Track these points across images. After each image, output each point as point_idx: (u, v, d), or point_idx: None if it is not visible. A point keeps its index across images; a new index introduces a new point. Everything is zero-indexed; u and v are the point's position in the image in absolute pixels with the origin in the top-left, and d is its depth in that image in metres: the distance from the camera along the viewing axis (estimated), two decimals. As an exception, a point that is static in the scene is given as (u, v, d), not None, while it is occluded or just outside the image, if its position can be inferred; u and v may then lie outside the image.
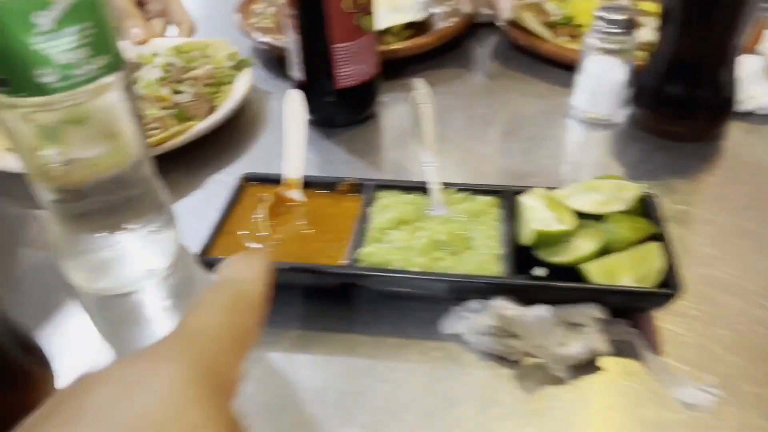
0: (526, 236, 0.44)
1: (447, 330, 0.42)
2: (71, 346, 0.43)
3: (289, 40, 0.60)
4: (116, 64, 0.39)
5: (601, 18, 0.61)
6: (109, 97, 0.39)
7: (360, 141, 0.64)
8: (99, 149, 0.40)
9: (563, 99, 0.69)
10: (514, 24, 0.77)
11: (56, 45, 0.34)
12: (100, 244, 0.44)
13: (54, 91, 0.36)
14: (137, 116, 0.42)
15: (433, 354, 0.42)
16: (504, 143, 0.62)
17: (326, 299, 0.45)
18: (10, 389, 0.32)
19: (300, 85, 0.63)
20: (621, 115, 0.65)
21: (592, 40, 0.62)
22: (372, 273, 0.42)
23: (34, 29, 0.33)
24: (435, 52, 0.78)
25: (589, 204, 0.46)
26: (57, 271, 0.49)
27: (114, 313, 0.46)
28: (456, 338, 0.42)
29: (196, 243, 0.51)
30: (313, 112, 0.61)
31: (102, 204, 0.43)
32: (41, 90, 0.36)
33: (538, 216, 0.44)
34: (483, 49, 0.82)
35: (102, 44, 0.37)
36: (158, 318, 0.46)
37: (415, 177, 0.57)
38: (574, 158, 0.60)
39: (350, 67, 0.59)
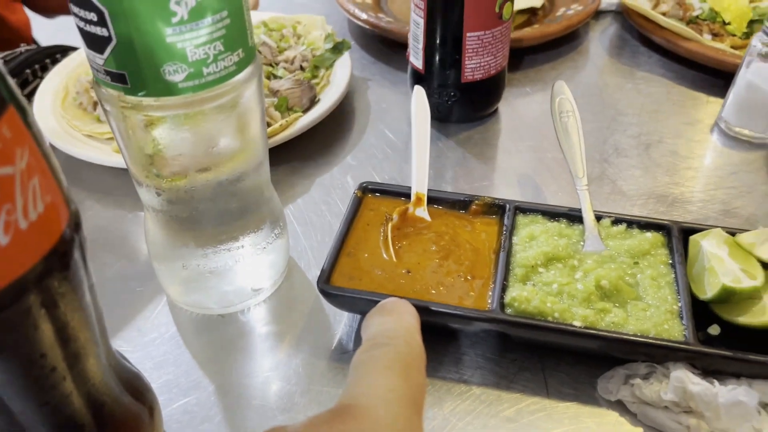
0: (709, 290, 0.37)
1: (607, 395, 0.36)
2: (159, 367, 0.38)
3: (412, 23, 0.53)
4: (249, 58, 0.32)
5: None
6: (237, 97, 0.32)
7: (477, 143, 0.56)
8: (218, 151, 0.34)
9: (706, 108, 0.61)
10: (645, 16, 0.68)
11: (191, 38, 0.28)
12: (204, 257, 0.39)
13: (180, 91, 0.29)
14: (264, 113, 0.36)
15: (586, 422, 0.35)
16: (642, 158, 0.54)
17: (443, 340, 0.39)
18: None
19: (416, 75, 0.56)
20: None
21: (758, 43, 0.53)
22: (534, 324, 0.35)
23: (172, 18, 0.27)
24: (551, 42, 0.69)
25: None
26: (151, 282, 0.44)
27: (211, 335, 0.41)
28: (617, 406, 0.36)
29: (305, 260, 0.45)
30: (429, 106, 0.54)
31: (213, 212, 0.37)
32: (166, 89, 0.29)
33: (725, 267, 0.37)
34: (603, 42, 0.73)
35: (236, 37, 0.30)
36: (260, 344, 0.40)
37: (546, 191, 0.50)
38: (729, 184, 0.51)
39: (481, 59, 0.51)
